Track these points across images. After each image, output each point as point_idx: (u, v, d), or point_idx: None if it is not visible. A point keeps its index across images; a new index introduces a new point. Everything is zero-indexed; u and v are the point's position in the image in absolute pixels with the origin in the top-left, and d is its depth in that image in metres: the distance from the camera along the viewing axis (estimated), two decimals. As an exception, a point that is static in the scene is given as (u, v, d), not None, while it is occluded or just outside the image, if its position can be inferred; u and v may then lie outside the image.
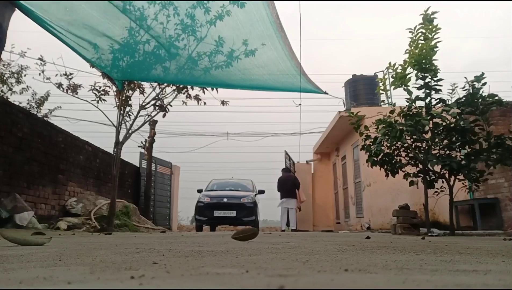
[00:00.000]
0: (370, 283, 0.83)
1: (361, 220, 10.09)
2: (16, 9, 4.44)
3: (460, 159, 5.05)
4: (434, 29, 4.99)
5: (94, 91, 7.28)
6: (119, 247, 2.28)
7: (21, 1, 4.37)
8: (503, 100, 4.90)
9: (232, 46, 5.23)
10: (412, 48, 5.16)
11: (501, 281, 0.88)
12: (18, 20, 4.64)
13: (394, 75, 5.33)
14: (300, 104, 6.37)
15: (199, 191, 12.20)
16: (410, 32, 5.19)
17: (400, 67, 5.24)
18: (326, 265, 1.24)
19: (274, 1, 4.30)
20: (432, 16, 5.04)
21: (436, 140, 5.14)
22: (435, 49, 5.03)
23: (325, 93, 5.92)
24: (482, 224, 7.48)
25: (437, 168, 5.18)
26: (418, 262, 1.38)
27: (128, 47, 5.47)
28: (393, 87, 5.40)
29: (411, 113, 5.19)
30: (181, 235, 4.87)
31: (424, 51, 4.99)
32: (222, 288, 0.77)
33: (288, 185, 10.99)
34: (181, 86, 7.39)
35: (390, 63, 5.32)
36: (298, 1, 4.42)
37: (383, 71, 13.57)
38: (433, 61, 5.03)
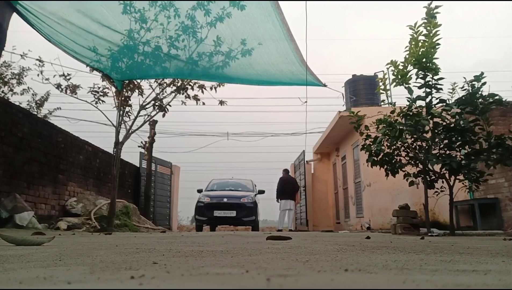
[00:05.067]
0: (370, 283, 0.83)
1: (361, 220, 10.09)
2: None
3: (460, 159, 5.04)
4: (434, 26, 4.87)
5: (93, 92, 7.29)
6: (119, 247, 2.28)
7: (22, 1, 4.36)
8: (504, 100, 4.88)
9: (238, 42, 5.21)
10: (412, 45, 5.09)
11: (501, 281, 0.88)
12: (19, 21, 4.64)
13: (395, 73, 5.27)
14: (306, 102, 6.38)
15: (199, 191, 12.19)
16: (410, 28, 5.08)
17: (401, 64, 5.19)
18: (326, 265, 1.24)
19: (280, 1, 4.30)
20: (435, 11, 4.89)
21: (436, 140, 5.13)
22: (436, 47, 4.94)
23: (324, 85, 5.94)
24: (482, 224, 7.47)
25: (437, 167, 5.16)
26: (418, 262, 1.38)
27: (128, 48, 5.46)
28: (393, 84, 5.33)
29: (411, 113, 5.17)
30: (181, 235, 4.87)
31: (425, 49, 4.92)
32: (222, 288, 0.77)
33: (290, 187, 11.30)
34: (180, 86, 7.38)
35: (392, 61, 5.29)
36: (304, 1, 4.42)
37: (383, 71, 13.59)
38: (434, 60, 4.96)
